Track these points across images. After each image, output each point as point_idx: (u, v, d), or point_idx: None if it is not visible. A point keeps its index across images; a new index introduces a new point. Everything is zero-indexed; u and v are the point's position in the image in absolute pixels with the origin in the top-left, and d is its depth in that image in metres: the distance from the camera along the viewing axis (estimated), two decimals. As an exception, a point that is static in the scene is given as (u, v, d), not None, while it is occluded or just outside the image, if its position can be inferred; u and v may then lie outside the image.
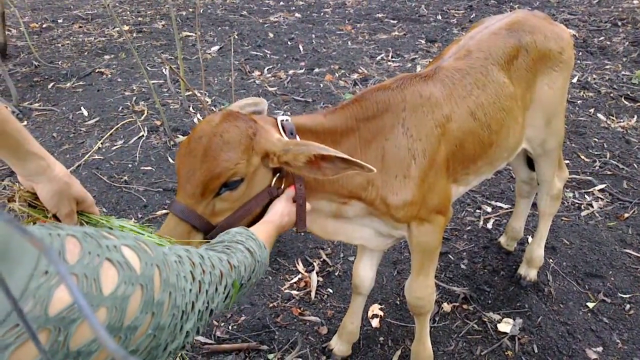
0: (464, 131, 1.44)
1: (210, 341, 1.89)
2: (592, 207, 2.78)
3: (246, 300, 2.08)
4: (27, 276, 0.45)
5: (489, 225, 2.60)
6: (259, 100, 1.42)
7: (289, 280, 2.22)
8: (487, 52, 1.52)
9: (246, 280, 0.86)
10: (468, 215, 2.69)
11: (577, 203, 2.81)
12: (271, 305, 2.08)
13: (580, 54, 5.20)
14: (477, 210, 2.73)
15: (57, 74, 4.60)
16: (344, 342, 1.85)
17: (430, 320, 1.98)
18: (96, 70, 4.67)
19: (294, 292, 2.15)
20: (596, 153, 3.28)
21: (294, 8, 7.04)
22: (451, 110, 1.41)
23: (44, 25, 6.22)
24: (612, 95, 4.15)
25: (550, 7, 6.91)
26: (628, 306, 2.15)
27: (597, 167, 3.13)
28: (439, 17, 6.65)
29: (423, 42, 5.61)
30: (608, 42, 5.45)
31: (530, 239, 2.42)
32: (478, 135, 1.47)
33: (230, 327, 1.97)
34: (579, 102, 4.04)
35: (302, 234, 2.46)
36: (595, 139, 3.45)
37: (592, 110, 3.90)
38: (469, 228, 2.58)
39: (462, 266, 2.32)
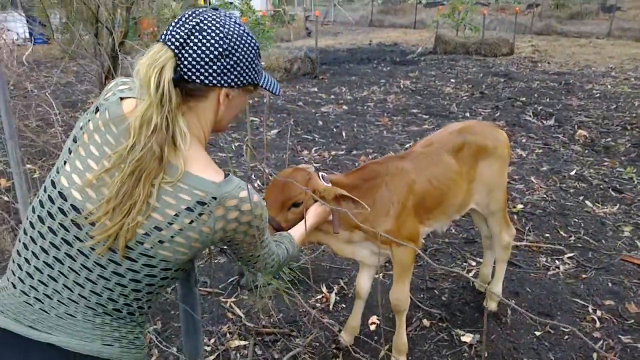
0: (424, 191, 2.36)
1: (258, 327, 2.77)
2: (559, 269, 3.53)
3: (284, 305, 2.96)
4: (235, 186, 1.21)
5: (470, 274, 3.40)
6: (309, 166, 2.40)
7: (314, 297, 3.09)
8: (442, 144, 2.46)
9: (282, 262, 1.63)
10: (456, 267, 3.51)
11: (547, 265, 3.57)
12: (301, 310, 2.95)
13: (586, 151, 6.01)
14: (464, 263, 3.55)
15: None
16: (348, 334, 2.68)
17: (414, 329, 2.79)
18: (181, 144, 5.92)
19: (318, 304, 3.03)
20: (573, 230, 4.05)
21: (342, 101, 8.30)
22: (416, 177, 2.34)
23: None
24: (601, 186, 4.92)
25: (569, 110, 7.80)
26: (567, 337, 2.86)
27: (571, 241, 3.89)
28: (467, 114, 7.68)
29: (449, 134, 6.60)
30: (613, 143, 6.24)
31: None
32: (432, 194, 2.38)
33: (272, 320, 2.85)
34: (571, 190, 4.83)
35: (328, 266, 3.36)
36: (575, 219, 4.22)
37: (581, 197, 4.68)
38: (454, 274, 3.40)
39: (443, 298, 3.13)
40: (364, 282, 2.61)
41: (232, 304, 2.99)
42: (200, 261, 3.46)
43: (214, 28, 1.17)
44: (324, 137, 6.27)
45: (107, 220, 1.12)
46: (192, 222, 1.15)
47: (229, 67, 1.20)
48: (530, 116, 7.51)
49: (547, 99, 8.51)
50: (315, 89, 9.43)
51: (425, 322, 2.89)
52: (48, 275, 1.14)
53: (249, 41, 1.24)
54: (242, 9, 10.34)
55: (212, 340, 2.71)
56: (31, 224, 1.18)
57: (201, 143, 1.27)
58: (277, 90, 1.41)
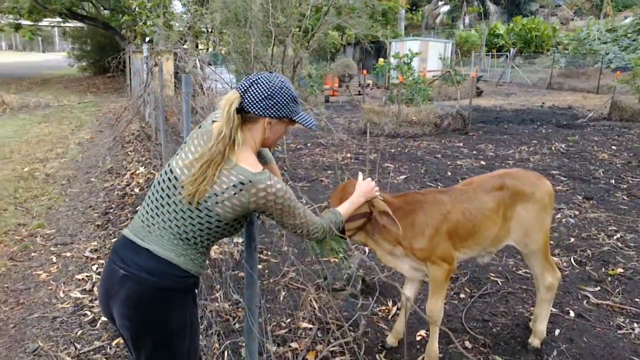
0: (457, 220, 2.85)
1: (325, 317, 3.46)
2: (633, 331, 3.53)
3: (352, 307, 3.61)
4: (265, 177, 2.00)
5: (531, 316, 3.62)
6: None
7: (379, 307, 3.67)
8: (481, 185, 2.93)
9: (327, 229, 2.40)
10: (521, 308, 3.75)
11: (622, 326, 3.59)
12: (364, 314, 3.57)
13: None
14: (531, 308, 3.76)
15: (293, 176, 7.02)
16: (393, 337, 3.21)
17: (455, 347, 3.21)
18: (319, 179, 6.96)
19: (380, 313, 3.60)
20: (670, 300, 3.92)
21: (481, 157, 8.60)
22: (451, 208, 2.86)
23: (298, 146, 9.05)
24: None
25: None
26: (608, 387, 2.98)
27: (663, 309, 3.80)
28: (612, 181, 7.39)
29: (580, 198, 6.53)
30: None
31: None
32: (465, 225, 2.85)
33: (337, 315, 3.52)
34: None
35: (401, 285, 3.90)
36: (678, 291, 4.05)
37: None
38: (516, 314, 3.66)
39: (494, 330, 3.44)
40: (408, 293, 3.15)
41: (313, 298, 3.74)
42: (302, 264, 4.30)
43: (264, 82, 2.03)
44: (446, 185, 6.74)
45: (190, 186, 2.01)
46: (235, 194, 1.98)
47: (270, 105, 2.03)
48: (687, 190, 6.94)
49: None
50: (460, 144, 9.84)
51: (468, 344, 3.27)
52: (155, 213, 2.07)
53: (285, 91, 2.06)
54: (402, 69, 11.35)
55: (289, 320, 3.48)
56: (154, 185, 2.13)
57: (252, 150, 2.11)
58: (311, 125, 2.19)
